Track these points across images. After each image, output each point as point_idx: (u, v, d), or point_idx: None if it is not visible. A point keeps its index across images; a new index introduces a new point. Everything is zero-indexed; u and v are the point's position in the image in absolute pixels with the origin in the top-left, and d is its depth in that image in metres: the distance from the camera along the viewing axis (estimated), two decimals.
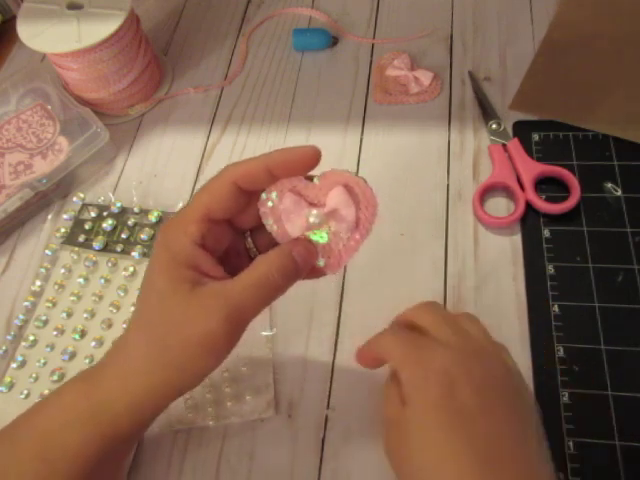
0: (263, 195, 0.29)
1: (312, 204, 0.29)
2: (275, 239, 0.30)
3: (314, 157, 0.28)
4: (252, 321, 0.28)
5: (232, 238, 0.31)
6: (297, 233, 0.29)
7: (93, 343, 0.44)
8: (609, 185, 0.46)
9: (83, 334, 0.45)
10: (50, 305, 0.47)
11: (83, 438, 0.28)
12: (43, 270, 0.48)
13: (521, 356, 0.40)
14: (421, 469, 0.26)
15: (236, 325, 0.27)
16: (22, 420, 0.30)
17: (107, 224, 0.49)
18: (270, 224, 0.29)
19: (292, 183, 0.29)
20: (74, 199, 0.52)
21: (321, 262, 0.30)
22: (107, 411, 0.28)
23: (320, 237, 0.29)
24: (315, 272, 0.30)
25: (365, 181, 0.28)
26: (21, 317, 0.46)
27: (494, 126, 0.50)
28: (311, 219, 0.29)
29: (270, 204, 0.29)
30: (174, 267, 0.27)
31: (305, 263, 0.29)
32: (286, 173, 0.28)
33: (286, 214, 0.29)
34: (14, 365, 0.44)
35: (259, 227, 0.31)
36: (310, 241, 0.29)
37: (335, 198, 0.28)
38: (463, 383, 0.27)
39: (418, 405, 0.27)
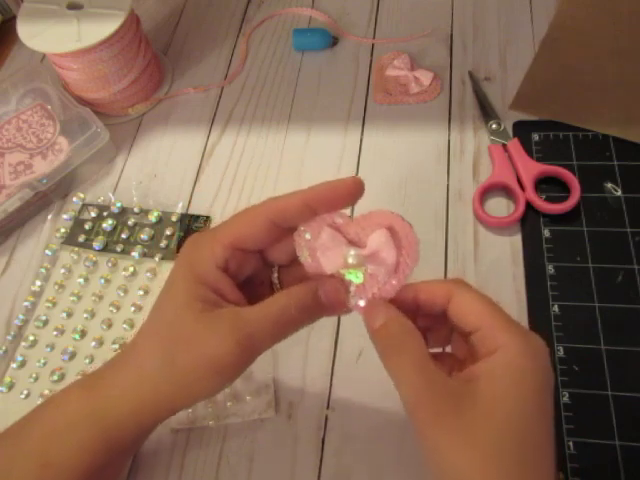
0: (301, 227, 0.28)
1: (351, 242, 0.28)
2: (307, 271, 0.29)
3: (357, 190, 0.27)
4: None
5: (259, 268, 0.30)
6: (332, 269, 0.28)
7: (93, 343, 0.44)
8: (609, 185, 0.46)
9: (83, 334, 0.45)
10: (50, 305, 0.47)
11: (86, 442, 0.28)
12: (43, 270, 0.48)
13: None
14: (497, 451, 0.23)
15: (247, 353, 0.27)
16: (24, 423, 0.30)
17: (107, 224, 0.49)
18: (305, 256, 0.28)
19: (332, 218, 0.28)
20: (74, 199, 0.52)
21: (352, 302, 0.28)
22: (110, 416, 0.28)
23: (355, 277, 0.28)
24: (342, 310, 0.29)
25: (411, 226, 0.28)
26: (21, 317, 0.46)
27: (494, 126, 0.50)
28: (349, 259, 0.28)
29: (307, 236, 0.28)
30: (195, 284, 0.27)
31: (331, 303, 0.28)
32: (326, 208, 0.28)
33: (323, 249, 0.28)
34: (14, 365, 0.44)
35: (289, 264, 0.31)
36: (343, 280, 0.28)
37: (377, 240, 0.28)
38: (550, 386, 0.26)
39: (515, 385, 0.24)
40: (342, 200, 0.28)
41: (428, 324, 0.30)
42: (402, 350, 0.26)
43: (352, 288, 0.28)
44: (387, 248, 0.27)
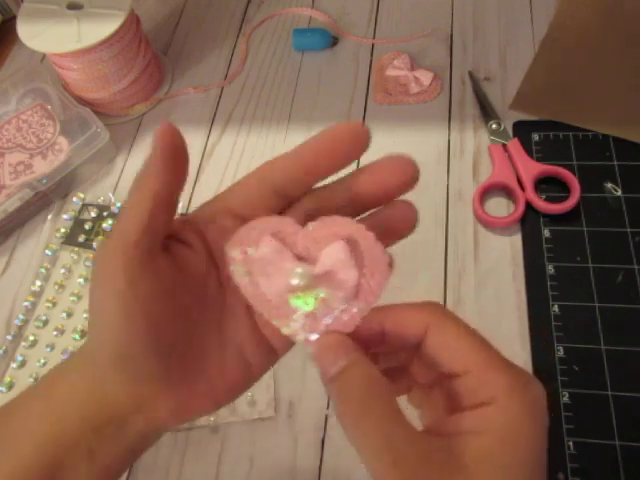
0: (235, 236, 0.22)
1: (300, 257, 0.22)
2: (244, 295, 0.22)
3: (363, 137, 0.24)
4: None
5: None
6: (273, 293, 0.22)
7: None
8: (609, 185, 0.46)
9: (83, 334, 0.45)
10: (50, 305, 0.47)
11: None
12: (43, 270, 0.48)
13: (521, 356, 0.40)
14: None
15: None
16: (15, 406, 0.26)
17: (107, 224, 0.49)
18: (240, 274, 0.22)
19: (277, 225, 0.22)
20: (74, 199, 0.52)
21: (299, 336, 0.22)
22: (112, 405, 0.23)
23: (304, 303, 0.22)
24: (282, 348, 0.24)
25: (375, 237, 0.21)
26: (21, 317, 0.46)
27: (494, 126, 0.50)
28: (294, 279, 0.21)
29: (241, 250, 0.22)
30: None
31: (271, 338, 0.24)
32: (327, 168, 0.23)
33: (262, 266, 0.22)
34: (14, 365, 0.44)
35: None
36: (287, 308, 0.22)
37: (332, 255, 0.21)
38: (545, 445, 0.21)
39: (511, 430, 0.20)
40: (346, 153, 0.23)
41: (391, 359, 0.25)
42: (366, 411, 0.20)
43: (299, 317, 0.22)
44: (345, 266, 0.21)
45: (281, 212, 0.23)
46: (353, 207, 0.24)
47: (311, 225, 0.22)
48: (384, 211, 0.24)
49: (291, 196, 0.23)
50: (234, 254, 0.22)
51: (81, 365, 0.23)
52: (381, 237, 0.21)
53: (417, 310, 0.23)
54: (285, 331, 0.22)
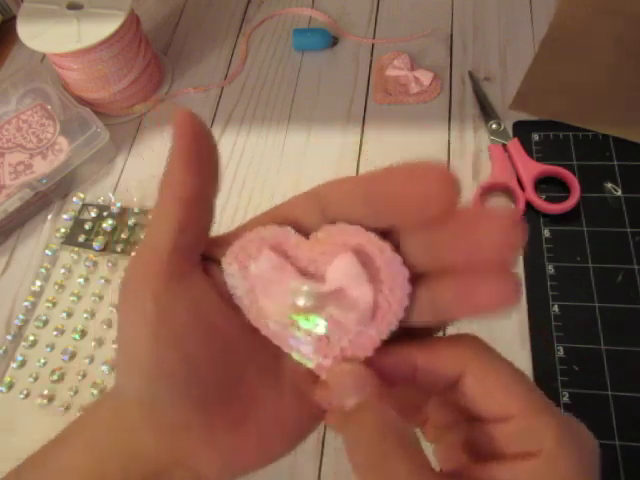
0: (232, 249, 0.19)
1: (305, 273, 0.19)
2: (246, 316, 0.20)
3: (450, 191, 0.16)
4: None
5: None
6: (276, 314, 0.19)
7: (93, 343, 0.44)
8: (609, 185, 0.46)
9: (83, 334, 0.45)
10: (50, 305, 0.47)
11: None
12: (43, 270, 0.48)
13: (521, 356, 0.40)
14: None
15: None
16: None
17: (107, 224, 0.49)
18: (238, 295, 0.19)
19: (277, 236, 0.19)
20: (74, 199, 0.52)
21: (310, 363, 0.19)
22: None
23: (313, 324, 0.19)
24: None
25: (393, 249, 0.18)
26: (21, 317, 0.46)
27: (494, 126, 0.50)
28: (299, 300, 0.18)
29: (239, 265, 0.19)
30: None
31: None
32: (395, 210, 0.17)
33: (262, 284, 0.19)
34: (14, 365, 0.44)
35: None
36: (291, 331, 0.19)
37: (341, 270, 0.18)
38: None
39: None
40: (425, 201, 0.16)
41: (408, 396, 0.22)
42: (382, 465, 0.17)
43: (310, 341, 0.19)
44: (356, 282, 0.18)
45: None
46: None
47: (316, 235, 0.19)
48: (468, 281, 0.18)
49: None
50: (231, 271, 0.19)
51: (113, 405, 0.20)
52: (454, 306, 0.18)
53: (454, 346, 0.19)
54: (295, 357, 0.19)
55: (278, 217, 0.20)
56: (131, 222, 0.50)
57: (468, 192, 0.48)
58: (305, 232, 0.19)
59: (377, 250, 0.18)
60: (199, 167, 0.18)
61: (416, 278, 0.18)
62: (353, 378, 0.18)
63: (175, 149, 0.18)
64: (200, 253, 0.19)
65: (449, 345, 0.19)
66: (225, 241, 0.20)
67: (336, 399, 0.18)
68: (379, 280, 0.18)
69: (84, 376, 0.43)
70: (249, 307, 0.19)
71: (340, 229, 0.18)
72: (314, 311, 0.19)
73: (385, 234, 0.18)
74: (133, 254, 0.19)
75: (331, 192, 0.19)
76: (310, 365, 0.19)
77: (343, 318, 0.19)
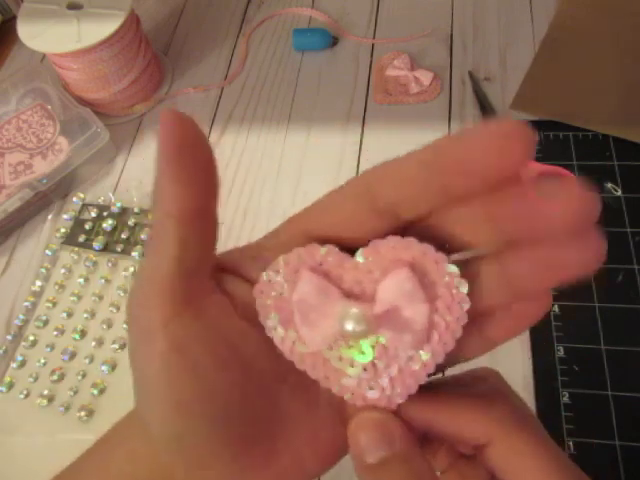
0: (264, 274, 0.17)
1: (350, 295, 0.17)
2: (281, 351, 0.18)
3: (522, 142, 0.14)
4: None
5: None
6: (320, 344, 0.17)
7: (93, 343, 0.44)
8: (609, 185, 0.46)
9: (83, 334, 0.45)
10: (50, 305, 0.47)
11: None
12: (43, 270, 0.48)
13: (521, 356, 0.40)
14: None
15: None
16: None
17: (107, 224, 0.49)
18: (273, 325, 0.17)
19: (316, 256, 0.17)
20: (74, 199, 0.52)
21: (355, 396, 0.17)
22: None
23: (360, 354, 0.17)
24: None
25: (447, 259, 0.16)
26: (21, 317, 0.46)
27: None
28: (348, 325, 0.16)
29: (278, 289, 0.17)
30: None
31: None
32: (463, 177, 0.15)
33: (303, 311, 0.17)
34: (14, 365, 0.44)
35: None
36: (338, 361, 0.17)
37: (393, 288, 0.16)
38: None
39: None
40: (509, 157, 0.14)
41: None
42: None
43: (355, 372, 0.17)
44: (412, 300, 0.16)
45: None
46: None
47: (361, 252, 0.17)
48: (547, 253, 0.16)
49: (404, 218, 0.16)
50: (263, 301, 0.17)
51: (137, 432, 0.19)
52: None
53: (480, 413, 0.17)
54: (336, 390, 0.17)
55: (317, 227, 0.17)
56: (131, 222, 0.50)
57: None
58: (352, 241, 0.17)
59: (431, 264, 0.16)
60: (192, 176, 0.16)
61: (480, 259, 0.17)
62: (381, 432, 0.16)
63: (161, 158, 0.15)
64: (209, 270, 0.17)
65: (474, 410, 0.17)
66: (247, 252, 0.18)
67: (358, 452, 0.17)
68: (435, 296, 0.17)
69: (84, 376, 0.43)
70: (283, 340, 0.17)
71: (389, 243, 0.17)
72: (363, 337, 0.17)
73: (439, 243, 0.17)
74: (135, 280, 0.17)
75: (387, 181, 0.16)
76: (352, 399, 0.17)
77: (393, 340, 0.17)
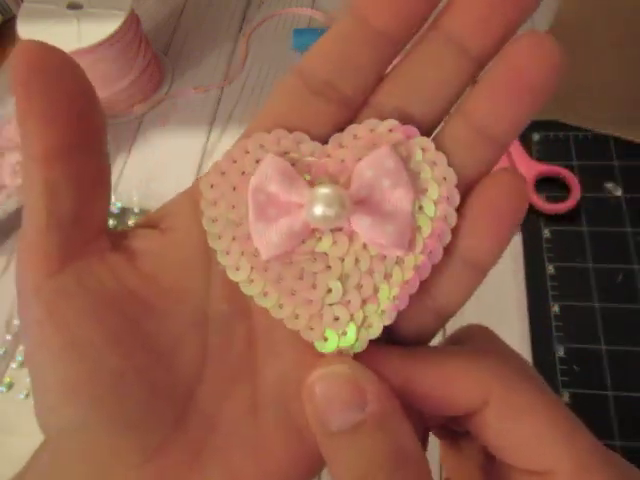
0: (215, 164, 0.15)
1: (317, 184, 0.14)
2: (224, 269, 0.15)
3: None
4: None
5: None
6: (277, 249, 0.14)
7: None
8: (609, 185, 0.46)
9: None
10: None
11: None
12: None
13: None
14: None
15: None
16: None
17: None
18: (220, 228, 0.14)
19: (290, 143, 0.14)
20: None
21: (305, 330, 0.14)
22: None
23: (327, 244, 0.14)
24: None
25: (433, 145, 0.14)
26: None
27: None
28: (317, 208, 0.13)
29: (227, 185, 0.14)
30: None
31: None
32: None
33: (260, 204, 0.14)
34: (14, 365, 0.44)
35: None
36: (300, 273, 0.14)
37: (373, 165, 0.14)
38: None
39: None
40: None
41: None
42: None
43: (318, 294, 0.14)
44: (395, 181, 0.14)
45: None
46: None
47: (335, 138, 0.14)
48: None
49: (349, 96, 0.14)
50: (213, 196, 0.14)
51: (49, 450, 0.15)
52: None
53: (474, 368, 0.14)
54: (292, 325, 0.14)
55: (272, 118, 0.15)
56: (131, 222, 0.50)
57: None
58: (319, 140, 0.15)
59: (418, 148, 0.14)
60: (57, 108, 0.13)
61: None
62: (348, 390, 0.13)
63: (16, 91, 0.13)
64: (99, 221, 0.14)
65: (466, 365, 0.14)
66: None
67: (318, 417, 0.13)
68: (418, 189, 0.14)
69: None
70: (228, 251, 0.14)
71: (369, 126, 0.14)
72: (336, 223, 0.13)
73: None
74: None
75: (312, 59, 0.15)
76: (313, 336, 0.14)
77: (375, 233, 0.13)
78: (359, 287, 0.14)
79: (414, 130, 0.14)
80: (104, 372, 0.13)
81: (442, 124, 0.15)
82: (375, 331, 0.14)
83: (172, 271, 0.14)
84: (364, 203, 0.14)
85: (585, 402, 0.37)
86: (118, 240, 0.15)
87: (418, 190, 0.14)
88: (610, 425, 0.36)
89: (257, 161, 0.14)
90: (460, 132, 0.14)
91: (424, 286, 0.14)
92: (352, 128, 0.14)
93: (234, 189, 0.14)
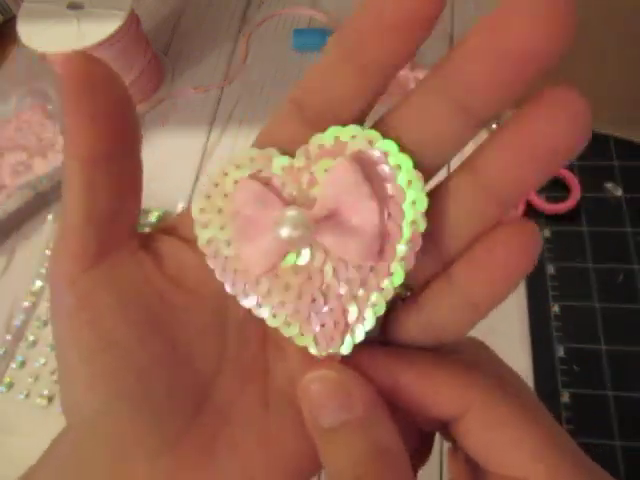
0: (201, 189, 0.15)
1: (293, 202, 0.15)
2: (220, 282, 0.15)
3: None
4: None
5: None
6: (263, 266, 0.15)
7: None
8: (609, 185, 0.46)
9: None
10: None
11: None
12: (43, 270, 0.48)
13: (521, 356, 0.40)
14: None
15: None
16: None
17: None
18: (213, 249, 0.15)
19: (261, 159, 0.15)
20: None
21: (298, 336, 0.15)
22: None
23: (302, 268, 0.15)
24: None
25: (398, 149, 0.14)
26: (21, 317, 0.46)
27: (494, 126, 0.50)
28: (283, 231, 0.14)
29: (208, 202, 0.15)
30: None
31: None
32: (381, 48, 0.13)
33: (241, 226, 0.15)
34: (14, 365, 0.44)
35: None
36: (280, 282, 0.15)
37: (334, 183, 0.14)
38: None
39: None
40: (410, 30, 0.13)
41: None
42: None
43: (303, 303, 0.15)
44: (356, 196, 0.14)
45: None
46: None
47: (302, 150, 0.14)
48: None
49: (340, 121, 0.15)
50: (203, 219, 0.15)
51: (70, 437, 0.16)
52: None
53: (459, 376, 0.15)
54: (285, 331, 0.15)
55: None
56: None
57: None
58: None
59: (380, 154, 0.14)
60: (101, 114, 0.14)
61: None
62: (338, 393, 0.14)
63: (65, 95, 0.13)
64: (131, 221, 0.15)
65: (452, 372, 0.15)
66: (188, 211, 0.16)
67: (311, 415, 0.14)
68: (386, 195, 0.14)
69: None
70: (224, 269, 0.15)
71: (332, 134, 0.14)
72: (304, 244, 0.14)
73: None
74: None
75: (309, 81, 0.15)
76: (302, 341, 0.15)
77: (340, 250, 0.14)
78: (339, 296, 0.14)
79: (376, 135, 0.14)
80: (131, 366, 0.14)
81: (447, 167, 0.15)
82: (358, 336, 0.15)
83: (193, 276, 0.15)
84: (330, 219, 0.14)
85: (585, 402, 0.37)
86: (145, 242, 0.16)
87: (385, 197, 0.14)
88: (610, 425, 0.36)
89: (235, 182, 0.15)
90: (467, 187, 0.14)
91: (421, 307, 0.15)
92: (317, 138, 0.14)
93: (220, 211, 0.15)
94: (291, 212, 0.14)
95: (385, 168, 0.14)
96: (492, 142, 0.13)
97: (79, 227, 0.14)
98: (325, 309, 0.15)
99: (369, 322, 0.15)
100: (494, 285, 0.15)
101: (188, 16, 0.66)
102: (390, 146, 0.14)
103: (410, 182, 0.14)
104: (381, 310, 0.14)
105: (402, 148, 0.14)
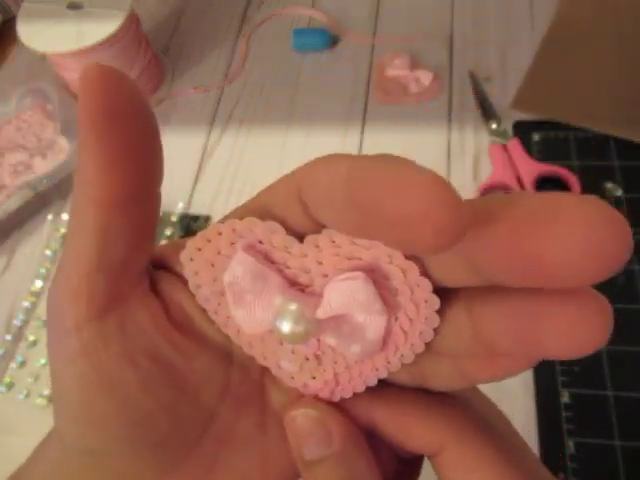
0: (193, 240, 0.15)
1: (295, 283, 0.14)
2: (215, 321, 0.16)
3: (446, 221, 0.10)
4: None
5: None
6: (258, 330, 0.15)
7: None
8: (609, 185, 0.46)
9: None
10: None
11: None
12: (43, 270, 0.48)
13: None
14: None
15: None
16: None
17: None
18: (205, 297, 0.15)
19: (262, 232, 0.14)
20: None
21: (295, 381, 0.16)
22: None
23: (296, 338, 0.14)
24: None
25: (417, 270, 0.13)
26: (21, 317, 0.46)
27: (494, 126, 0.50)
28: (285, 325, 0.13)
29: (204, 264, 0.15)
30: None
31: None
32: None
33: (237, 293, 0.14)
34: (14, 365, 0.44)
35: None
36: (275, 340, 0.15)
37: (344, 293, 0.13)
38: None
39: None
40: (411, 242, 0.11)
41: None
42: None
43: (296, 359, 0.15)
44: (365, 310, 0.13)
45: None
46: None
47: (312, 239, 0.13)
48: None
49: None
50: (192, 268, 0.15)
51: (57, 451, 0.16)
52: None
53: (435, 417, 0.15)
54: (274, 372, 0.16)
55: (256, 210, 0.14)
56: None
57: (468, 192, 0.48)
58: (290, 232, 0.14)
59: (398, 271, 0.13)
60: (124, 153, 0.12)
61: (448, 294, 0.13)
62: (318, 430, 0.15)
63: (83, 126, 0.11)
64: (142, 267, 0.15)
65: (428, 413, 0.15)
66: (181, 244, 0.15)
67: (295, 447, 0.15)
68: (396, 305, 0.13)
69: None
70: (216, 312, 0.15)
71: (348, 236, 0.13)
72: (303, 340, 0.14)
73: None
74: (56, 271, 0.14)
75: (309, 183, 0.12)
76: (293, 384, 0.16)
77: (343, 350, 0.14)
78: (334, 361, 0.15)
79: (412, 266, 0.13)
80: (133, 411, 0.14)
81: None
82: (346, 393, 0.16)
83: (198, 320, 0.15)
84: (334, 321, 0.14)
85: (585, 402, 0.37)
86: (154, 280, 0.15)
87: (394, 306, 0.14)
88: (610, 425, 0.36)
89: (232, 244, 0.14)
90: (464, 334, 0.13)
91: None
92: (330, 232, 0.13)
93: (212, 265, 0.15)
94: (294, 306, 0.13)
95: (399, 281, 0.13)
96: (497, 304, 0.12)
97: (88, 274, 0.13)
98: (318, 368, 0.15)
99: (359, 387, 0.15)
100: (494, 376, 0.14)
101: (188, 16, 0.66)
102: (410, 265, 0.13)
103: (427, 301, 0.13)
104: (372, 382, 0.15)
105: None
